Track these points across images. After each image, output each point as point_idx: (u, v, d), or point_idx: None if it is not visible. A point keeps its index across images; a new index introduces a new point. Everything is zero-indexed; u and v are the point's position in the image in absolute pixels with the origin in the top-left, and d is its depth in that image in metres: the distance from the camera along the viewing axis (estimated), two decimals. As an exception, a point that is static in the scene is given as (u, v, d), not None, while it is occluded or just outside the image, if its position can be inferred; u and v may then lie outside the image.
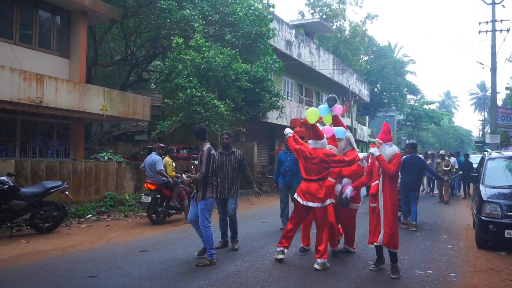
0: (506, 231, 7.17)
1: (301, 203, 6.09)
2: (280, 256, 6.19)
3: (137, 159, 15.82)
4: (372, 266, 6.04)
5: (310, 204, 6.01)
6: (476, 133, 78.37)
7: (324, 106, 6.81)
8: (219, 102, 12.12)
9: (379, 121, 43.92)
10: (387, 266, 5.97)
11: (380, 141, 5.88)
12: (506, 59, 20.50)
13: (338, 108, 6.88)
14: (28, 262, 6.15)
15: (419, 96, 53.93)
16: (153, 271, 5.66)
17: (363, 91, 36.96)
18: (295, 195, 6.27)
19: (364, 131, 38.71)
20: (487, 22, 17.77)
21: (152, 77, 27.15)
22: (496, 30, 17.32)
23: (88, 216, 10.18)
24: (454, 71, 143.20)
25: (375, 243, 5.86)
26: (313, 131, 6.30)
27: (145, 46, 21.65)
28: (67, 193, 8.66)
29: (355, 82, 33.77)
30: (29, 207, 7.94)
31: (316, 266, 5.87)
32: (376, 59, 45.98)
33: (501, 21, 17.60)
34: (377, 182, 5.92)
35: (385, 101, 45.80)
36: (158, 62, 27.13)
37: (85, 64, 14.93)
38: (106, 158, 11.75)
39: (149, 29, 18.61)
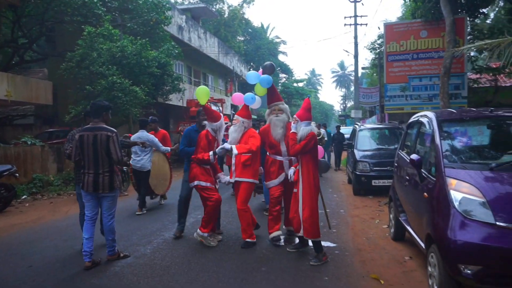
0: (373, 181, 10.17)
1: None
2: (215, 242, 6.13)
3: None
4: (291, 246, 5.81)
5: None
6: (337, 107, 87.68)
7: (265, 77, 6.08)
8: (137, 88, 13.43)
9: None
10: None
11: (297, 118, 5.45)
12: (365, 47, 24.58)
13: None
14: (16, 232, 7.30)
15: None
16: (131, 227, 7.27)
17: (243, 71, 39.73)
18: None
19: (245, 109, 41.68)
20: (350, 17, 21.46)
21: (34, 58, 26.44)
22: (358, 24, 21.05)
23: (23, 197, 10.94)
24: (318, 51, 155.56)
25: (298, 234, 5.48)
26: (206, 113, 6.10)
27: (33, 29, 21.23)
28: (17, 175, 9.50)
29: (237, 63, 36.33)
30: (-16, 189, 8.73)
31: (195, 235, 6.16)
32: (251, 40, 49.20)
33: (361, 16, 21.45)
34: (298, 167, 5.50)
35: (261, 79, 49.34)
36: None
37: (-15, 50, 14.81)
38: (29, 142, 12.36)
39: (38, 12, 18.52)
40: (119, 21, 16.03)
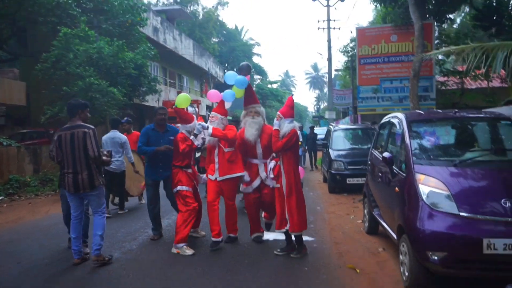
0: (347, 179, 10.57)
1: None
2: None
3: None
4: (278, 250, 5.66)
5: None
6: (311, 108, 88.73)
7: (240, 77, 5.95)
8: (115, 89, 13.50)
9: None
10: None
11: (281, 115, 5.47)
12: (338, 50, 25.20)
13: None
14: (-2, 231, 7.33)
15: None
16: (115, 226, 7.42)
17: (218, 73, 39.95)
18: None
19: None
20: (324, 21, 22.01)
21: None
22: (331, 28, 21.64)
23: (0, 198, 10.88)
24: (292, 53, 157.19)
25: (284, 229, 5.46)
26: (178, 116, 6.04)
27: (4, 29, 20.88)
28: (-5, 176, 9.47)
29: (212, 64, 36.50)
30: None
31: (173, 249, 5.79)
32: (226, 41, 49.47)
33: (334, 20, 22.03)
34: (279, 162, 5.55)
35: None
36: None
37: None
38: (5, 143, 12.27)
39: (10, 12, 18.26)
40: (94, 22, 16.03)
